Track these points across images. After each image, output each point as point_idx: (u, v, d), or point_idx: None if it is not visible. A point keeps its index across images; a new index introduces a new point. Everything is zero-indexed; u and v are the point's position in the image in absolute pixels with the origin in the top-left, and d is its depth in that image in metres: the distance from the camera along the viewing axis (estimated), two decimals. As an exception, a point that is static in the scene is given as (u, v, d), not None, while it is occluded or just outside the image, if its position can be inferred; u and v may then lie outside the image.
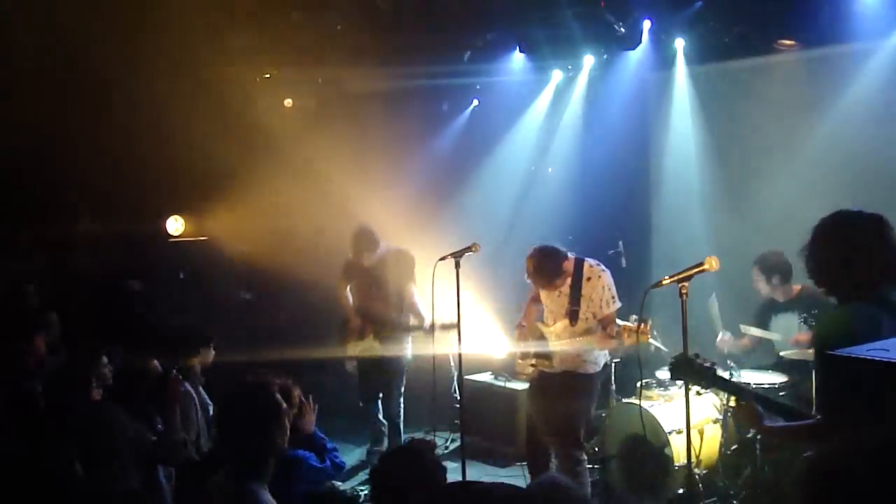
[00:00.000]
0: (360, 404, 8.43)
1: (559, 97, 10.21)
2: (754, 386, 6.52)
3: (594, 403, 6.67)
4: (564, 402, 6.45)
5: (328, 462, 5.56)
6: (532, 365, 6.63)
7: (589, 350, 6.42)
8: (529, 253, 6.48)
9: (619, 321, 6.34)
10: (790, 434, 4.13)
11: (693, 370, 4.08)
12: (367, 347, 8.16)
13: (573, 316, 6.38)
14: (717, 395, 6.94)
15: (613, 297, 6.42)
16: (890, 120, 7.73)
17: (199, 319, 8.75)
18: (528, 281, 6.74)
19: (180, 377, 5.82)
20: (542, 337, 6.58)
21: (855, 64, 7.96)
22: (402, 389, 8.26)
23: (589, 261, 6.50)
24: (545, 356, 6.50)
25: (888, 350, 2.54)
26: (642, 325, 5.83)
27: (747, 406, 3.93)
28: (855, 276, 3.59)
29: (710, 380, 4.08)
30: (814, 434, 3.77)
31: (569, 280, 6.44)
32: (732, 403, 4.01)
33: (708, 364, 4.04)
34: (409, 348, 8.13)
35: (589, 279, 6.40)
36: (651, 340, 7.27)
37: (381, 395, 8.34)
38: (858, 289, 3.59)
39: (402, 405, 8.27)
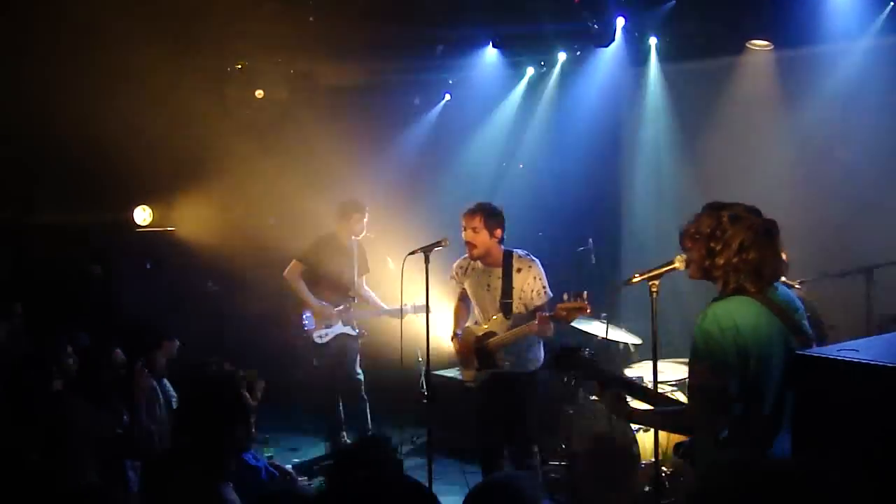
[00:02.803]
0: (333, 395, 8.52)
1: (531, 93, 10.20)
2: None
3: (540, 400, 6.58)
4: (512, 403, 6.37)
5: (262, 462, 5.49)
6: (477, 369, 6.56)
7: (529, 347, 6.36)
8: (471, 206, 6.38)
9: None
10: (653, 421, 4.25)
11: (577, 361, 4.21)
12: (339, 331, 8.39)
13: (506, 309, 6.29)
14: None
15: (545, 287, 6.32)
16: (860, 120, 7.77)
17: (165, 310, 8.70)
18: (454, 277, 6.70)
19: (145, 369, 5.77)
20: (479, 340, 6.43)
21: (826, 64, 7.99)
22: None
23: (518, 251, 6.42)
24: (489, 360, 6.39)
25: (858, 351, 2.54)
26: (579, 300, 5.74)
27: (611, 394, 4.00)
28: (738, 268, 3.63)
29: (588, 371, 4.21)
30: (676, 422, 3.96)
31: (499, 271, 6.37)
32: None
33: (589, 355, 4.15)
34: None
35: (519, 270, 6.32)
36: (597, 322, 7.20)
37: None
38: (741, 281, 3.64)
39: None
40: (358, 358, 8.58)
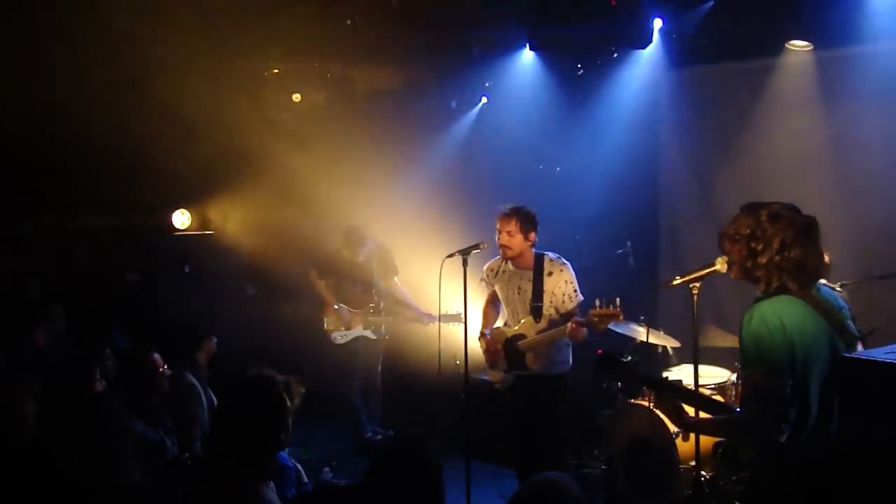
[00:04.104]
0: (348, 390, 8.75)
1: (569, 95, 10.15)
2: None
3: (567, 400, 6.57)
4: (538, 405, 6.37)
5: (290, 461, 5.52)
6: (505, 370, 6.54)
7: (558, 350, 6.36)
8: (506, 210, 6.36)
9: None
10: (713, 429, 4.20)
11: (617, 369, 4.14)
12: (358, 334, 8.63)
13: (536, 312, 6.30)
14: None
15: (576, 291, 6.32)
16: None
17: (204, 313, 8.76)
18: (484, 279, 6.71)
19: (186, 371, 5.82)
20: (509, 341, 6.45)
21: (867, 64, 7.90)
22: None
23: (549, 255, 6.41)
24: (518, 361, 6.39)
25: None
26: (611, 307, 5.72)
27: (667, 403, 3.94)
28: (780, 266, 3.59)
29: (633, 378, 4.18)
30: (735, 429, 3.93)
31: (530, 274, 6.36)
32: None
33: (631, 362, 4.11)
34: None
35: (550, 273, 6.31)
36: (637, 327, 7.15)
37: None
38: (784, 280, 3.60)
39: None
40: (379, 361, 8.85)
